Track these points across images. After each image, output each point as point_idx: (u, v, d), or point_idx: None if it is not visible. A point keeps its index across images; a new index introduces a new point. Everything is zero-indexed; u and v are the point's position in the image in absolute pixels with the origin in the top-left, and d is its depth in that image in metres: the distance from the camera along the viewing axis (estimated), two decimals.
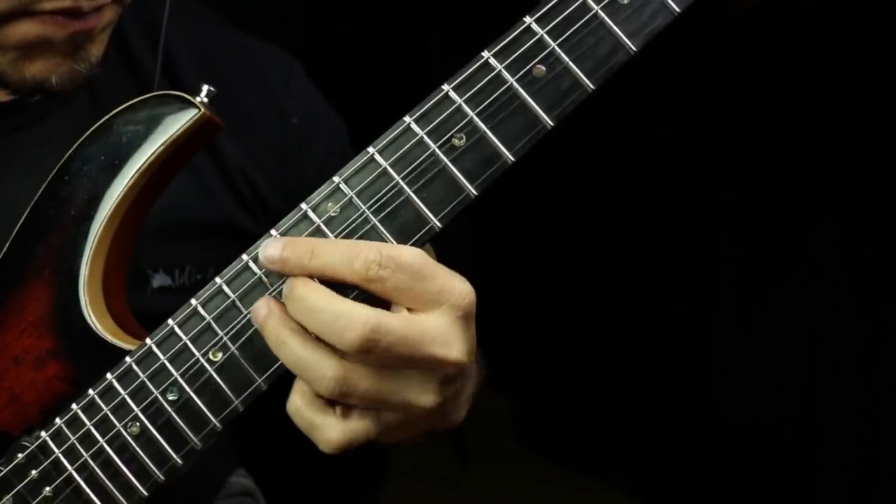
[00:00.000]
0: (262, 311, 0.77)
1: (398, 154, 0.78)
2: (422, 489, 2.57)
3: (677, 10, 0.75)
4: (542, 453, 2.80)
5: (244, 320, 0.81)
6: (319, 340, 0.75)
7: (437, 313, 0.74)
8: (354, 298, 0.75)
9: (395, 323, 0.73)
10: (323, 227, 0.79)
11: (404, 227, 0.78)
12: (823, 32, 2.17)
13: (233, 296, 0.81)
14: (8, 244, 0.88)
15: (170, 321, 0.82)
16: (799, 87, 2.24)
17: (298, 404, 0.77)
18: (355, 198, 0.79)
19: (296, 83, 1.15)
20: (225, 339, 0.81)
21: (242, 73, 1.11)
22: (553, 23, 0.76)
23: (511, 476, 2.72)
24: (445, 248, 0.83)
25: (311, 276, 0.76)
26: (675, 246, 2.54)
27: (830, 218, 2.28)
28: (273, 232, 0.80)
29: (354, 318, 0.73)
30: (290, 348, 0.76)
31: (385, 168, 0.78)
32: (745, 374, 2.44)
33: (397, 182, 0.78)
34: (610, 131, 2.51)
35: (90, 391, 0.85)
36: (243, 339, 0.81)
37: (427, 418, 0.79)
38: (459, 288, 0.75)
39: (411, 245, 0.78)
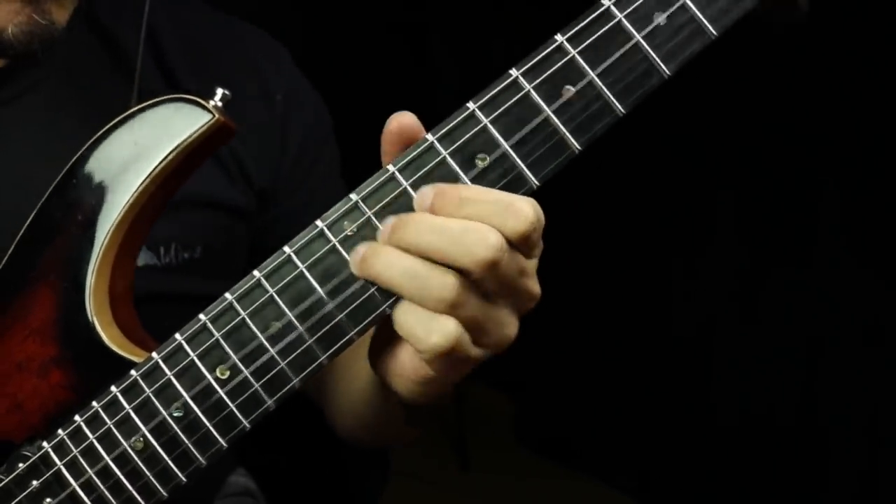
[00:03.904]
0: (361, 249, 0.76)
1: (420, 173, 0.75)
2: (422, 489, 2.56)
3: (714, 33, 0.73)
4: (542, 453, 2.79)
5: (255, 339, 0.78)
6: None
7: (535, 258, 0.77)
8: None
9: (512, 251, 0.74)
10: (338, 246, 0.76)
11: None
12: (824, 23, 2.14)
13: (243, 313, 0.78)
14: (13, 247, 0.86)
15: (177, 336, 0.80)
16: (799, 76, 2.22)
17: (408, 311, 0.75)
18: (373, 218, 0.76)
19: (282, 64, 1.14)
20: (234, 357, 0.79)
21: (229, 53, 1.10)
22: (585, 43, 0.73)
23: (511, 476, 2.71)
24: None
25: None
26: (676, 246, 2.53)
27: (832, 218, 2.27)
28: (286, 249, 0.78)
29: (485, 234, 0.72)
30: (403, 264, 0.74)
31: (405, 188, 0.75)
32: (746, 374, 2.44)
33: None
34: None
35: (94, 403, 0.82)
36: (253, 358, 0.78)
37: (478, 360, 0.80)
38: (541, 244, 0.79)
39: None
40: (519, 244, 0.74)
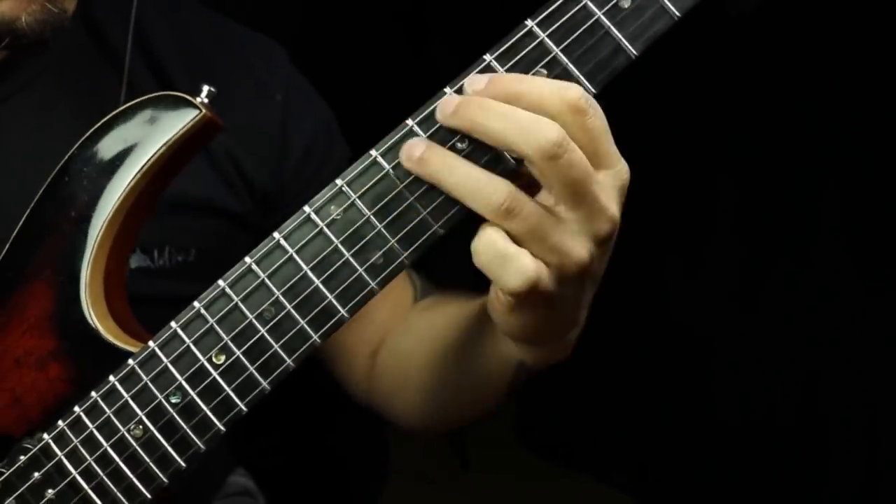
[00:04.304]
0: (419, 146, 0.76)
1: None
2: (422, 489, 2.56)
3: (677, 14, 0.76)
4: (542, 453, 2.80)
5: (248, 323, 0.81)
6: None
7: (607, 171, 0.76)
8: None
9: (577, 148, 0.74)
10: (325, 229, 0.79)
11: (409, 232, 0.78)
12: (824, 22, 2.15)
13: (236, 298, 0.81)
14: (9, 244, 0.88)
15: (172, 323, 0.82)
16: (799, 75, 2.23)
17: (492, 236, 0.75)
18: (358, 201, 0.78)
19: (278, 64, 1.15)
20: (228, 342, 0.81)
21: (224, 55, 1.11)
22: (554, 26, 0.76)
23: (511, 476, 2.71)
24: (446, 249, 0.83)
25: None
26: (676, 245, 2.53)
27: (832, 218, 2.28)
28: (276, 235, 0.80)
29: (549, 124, 0.73)
30: (461, 170, 0.75)
31: (388, 171, 0.78)
32: (746, 374, 2.44)
33: (400, 186, 0.78)
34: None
35: (92, 393, 0.84)
36: (246, 341, 0.81)
37: (576, 292, 0.81)
38: (625, 164, 0.77)
39: (414, 251, 0.78)
40: (583, 134, 0.74)
